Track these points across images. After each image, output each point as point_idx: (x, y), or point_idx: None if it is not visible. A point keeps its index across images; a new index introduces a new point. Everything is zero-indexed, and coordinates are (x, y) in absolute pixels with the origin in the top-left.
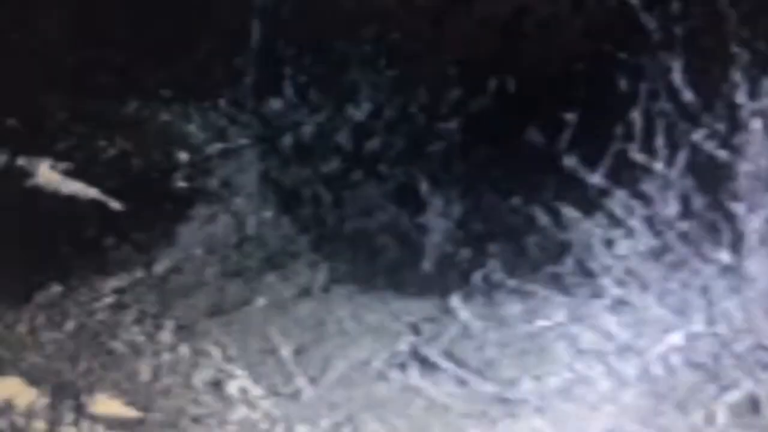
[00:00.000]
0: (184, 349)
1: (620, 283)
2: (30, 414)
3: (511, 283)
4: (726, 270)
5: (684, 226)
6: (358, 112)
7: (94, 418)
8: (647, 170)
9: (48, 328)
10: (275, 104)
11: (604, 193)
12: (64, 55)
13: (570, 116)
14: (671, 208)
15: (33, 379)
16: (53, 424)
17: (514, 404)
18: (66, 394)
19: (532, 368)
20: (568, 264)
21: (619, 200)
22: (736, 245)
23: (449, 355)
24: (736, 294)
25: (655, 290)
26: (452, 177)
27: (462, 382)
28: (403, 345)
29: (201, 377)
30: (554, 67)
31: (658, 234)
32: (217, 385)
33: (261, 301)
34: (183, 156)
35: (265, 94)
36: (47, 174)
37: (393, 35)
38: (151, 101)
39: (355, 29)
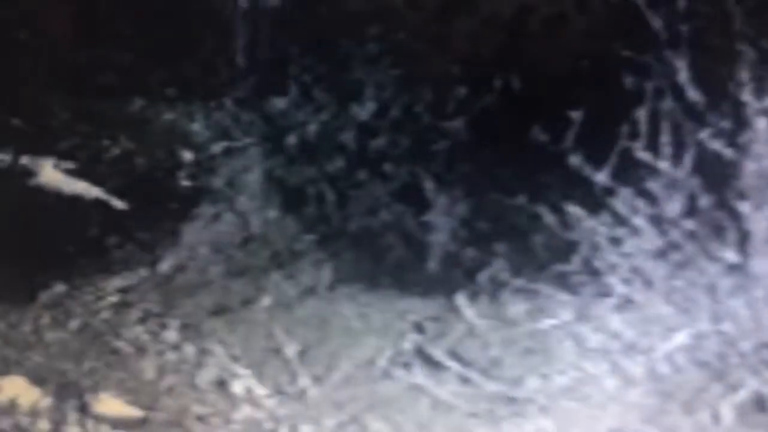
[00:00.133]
0: (188, 349)
1: (626, 281)
2: (34, 413)
3: (517, 282)
4: (732, 269)
5: (690, 224)
6: (363, 112)
7: (99, 418)
8: (653, 169)
9: (52, 327)
10: (280, 103)
11: (609, 191)
12: (68, 55)
13: (575, 115)
14: (677, 206)
15: (37, 378)
16: (57, 423)
17: (519, 403)
18: (70, 394)
19: (537, 367)
20: (574, 263)
21: (624, 199)
22: (742, 244)
23: (454, 354)
24: (742, 293)
25: (661, 289)
26: (457, 176)
27: (467, 381)
28: (408, 344)
29: (205, 376)
30: (559, 66)
31: (663, 233)
32: (221, 385)
33: (266, 300)
34: (187, 155)
35: (270, 93)
36: (51, 173)
37: (398, 34)
38: (156, 100)
39: (360, 28)
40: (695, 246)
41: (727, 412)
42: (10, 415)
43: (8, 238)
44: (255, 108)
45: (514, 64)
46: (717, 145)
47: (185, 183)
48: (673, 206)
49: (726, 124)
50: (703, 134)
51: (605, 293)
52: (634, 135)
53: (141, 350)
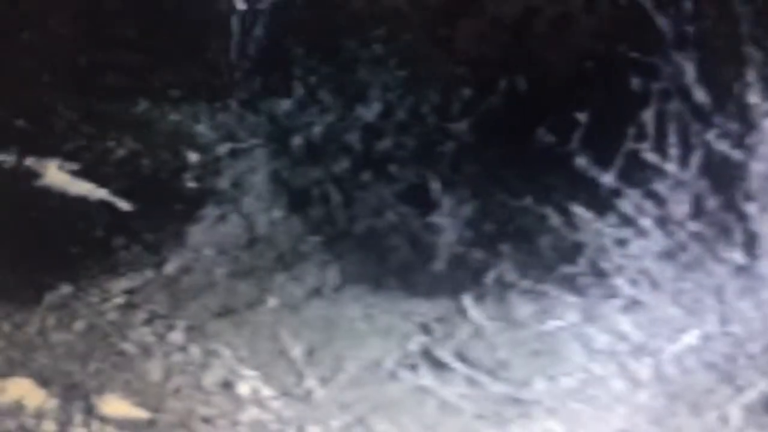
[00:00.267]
0: (194, 350)
1: (633, 283)
2: (40, 415)
3: (524, 283)
4: (739, 270)
5: (697, 226)
6: (369, 113)
7: (104, 419)
8: (659, 170)
9: (58, 328)
10: (285, 105)
11: (616, 193)
12: (74, 56)
13: (582, 116)
14: (684, 208)
15: (43, 379)
16: (63, 425)
17: (526, 405)
18: (76, 395)
19: (544, 369)
20: (581, 264)
21: (631, 200)
22: (750, 245)
23: (461, 355)
24: (749, 294)
25: (668, 290)
26: (463, 177)
27: (474, 383)
28: (415, 345)
29: (212, 378)
30: (565, 67)
31: (670, 234)
32: (227, 386)
33: (272, 302)
34: (193, 156)
35: (275, 94)
36: (56, 174)
37: (403, 35)
38: (161, 102)
39: (366, 29)
40: (702, 247)
41: (735, 414)
42: (16, 416)
43: (13, 240)
44: (260, 109)
45: (520, 65)
46: (724, 147)
47: (191, 184)
48: (680, 208)
49: (733, 125)
50: (710, 135)
51: (612, 295)
52: (640, 136)
53: (147, 352)
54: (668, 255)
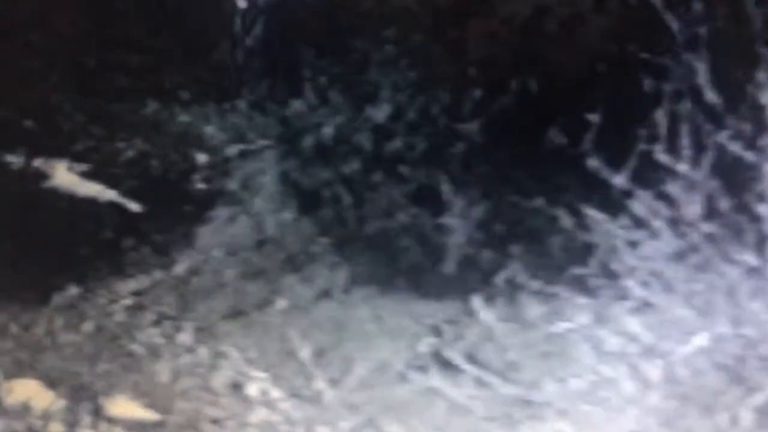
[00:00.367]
0: (203, 351)
1: (644, 284)
2: (47, 416)
3: (534, 284)
4: (751, 272)
5: (709, 227)
6: (379, 113)
7: (113, 421)
8: (671, 171)
9: (66, 330)
10: (295, 105)
11: (628, 194)
12: (83, 57)
13: (593, 117)
14: (696, 209)
15: (51, 381)
16: (71, 426)
17: (537, 407)
18: (84, 397)
19: (555, 370)
20: (592, 266)
21: (643, 202)
22: (762, 247)
23: (471, 357)
24: (761, 296)
25: (679, 292)
26: (474, 178)
27: (484, 385)
28: (425, 347)
29: (220, 379)
30: (577, 68)
31: (682, 235)
32: (236, 388)
33: (281, 303)
34: (202, 157)
35: (286, 95)
36: (64, 176)
37: (414, 36)
38: (170, 103)
39: (376, 30)
40: (714, 249)
41: (746, 416)
42: (23, 417)
43: (21, 241)
44: (270, 110)
45: (531, 65)
46: (736, 148)
47: (200, 185)
48: (692, 209)
49: (745, 126)
50: (722, 137)
51: (623, 296)
52: (652, 137)
53: (155, 353)
54: (680, 256)
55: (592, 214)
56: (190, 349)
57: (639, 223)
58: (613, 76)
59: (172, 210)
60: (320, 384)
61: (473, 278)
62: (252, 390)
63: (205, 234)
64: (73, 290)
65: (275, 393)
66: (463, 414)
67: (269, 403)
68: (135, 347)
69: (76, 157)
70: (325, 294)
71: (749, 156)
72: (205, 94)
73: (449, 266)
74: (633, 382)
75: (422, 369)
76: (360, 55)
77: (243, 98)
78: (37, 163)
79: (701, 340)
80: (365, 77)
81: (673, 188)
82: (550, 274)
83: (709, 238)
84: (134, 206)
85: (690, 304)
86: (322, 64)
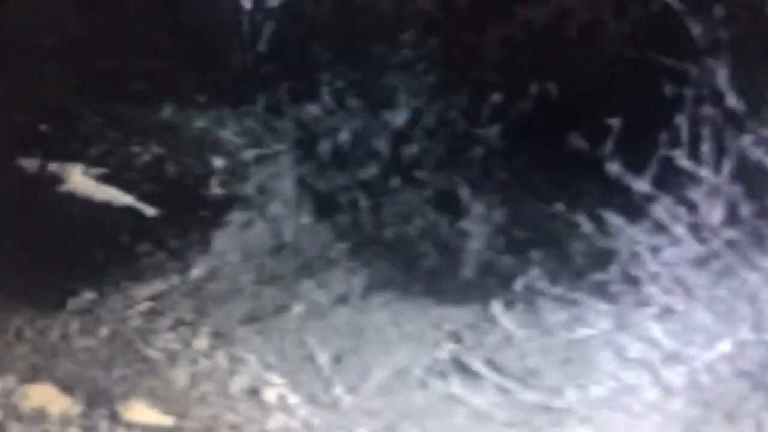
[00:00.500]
0: (220, 357)
1: (666, 290)
2: (64, 422)
3: (555, 290)
4: None
5: (731, 233)
6: (397, 118)
7: (129, 426)
8: (693, 177)
9: (82, 334)
10: (312, 110)
11: (649, 199)
12: (99, 61)
13: (614, 122)
14: (718, 215)
15: (67, 386)
16: (87, 431)
17: (558, 413)
18: (100, 402)
19: (576, 377)
20: (613, 272)
21: (664, 207)
22: None
23: (491, 363)
24: None
25: (702, 298)
26: (493, 183)
27: (504, 391)
28: (444, 353)
29: (238, 385)
30: (598, 72)
31: (704, 241)
32: (254, 393)
33: (298, 308)
34: (218, 162)
35: (302, 99)
36: (80, 180)
37: (432, 40)
38: (186, 107)
39: (394, 34)
40: (737, 255)
41: None
42: (40, 423)
43: (37, 245)
44: (287, 115)
45: (551, 70)
46: (758, 153)
47: (216, 190)
48: (714, 214)
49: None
50: (744, 141)
51: (645, 302)
52: (673, 142)
53: (172, 358)
54: (702, 262)
55: (613, 219)
56: (207, 355)
57: (660, 228)
58: (634, 81)
59: (188, 214)
60: (338, 390)
61: (493, 284)
62: (270, 396)
63: (221, 239)
64: (89, 295)
65: (293, 399)
66: (483, 421)
67: (287, 409)
68: (151, 352)
69: (91, 161)
70: (343, 299)
71: None
72: (222, 98)
73: (468, 272)
74: (655, 388)
75: (441, 375)
76: (377, 60)
77: (260, 102)
78: (53, 167)
79: (724, 346)
80: (383, 81)
81: (694, 194)
82: (570, 280)
83: (732, 244)
84: (150, 210)
85: (712, 310)
86: (339, 68)
